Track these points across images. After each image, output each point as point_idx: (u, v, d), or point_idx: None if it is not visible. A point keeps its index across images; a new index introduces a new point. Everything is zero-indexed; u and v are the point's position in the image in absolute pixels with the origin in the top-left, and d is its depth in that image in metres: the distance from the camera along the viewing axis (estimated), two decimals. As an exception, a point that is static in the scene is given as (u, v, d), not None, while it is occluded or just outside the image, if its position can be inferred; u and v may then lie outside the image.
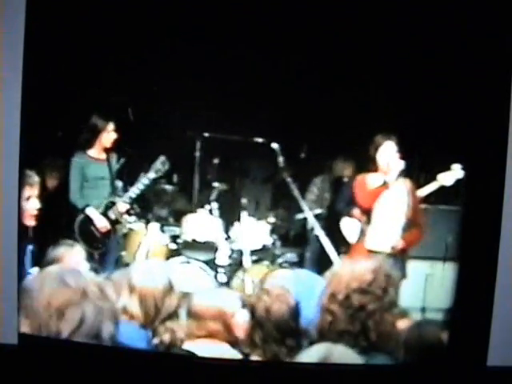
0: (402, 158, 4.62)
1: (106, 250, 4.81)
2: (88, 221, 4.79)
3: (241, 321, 2.98)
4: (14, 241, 3.31)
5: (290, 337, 2.97)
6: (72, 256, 3.57)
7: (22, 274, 3.29)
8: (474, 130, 3.43)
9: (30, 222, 3.83)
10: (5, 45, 3.21)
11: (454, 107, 3.90)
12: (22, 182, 3.36)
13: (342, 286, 2.76)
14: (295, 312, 3.03)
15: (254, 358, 2.96)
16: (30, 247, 3.83)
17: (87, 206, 4.79)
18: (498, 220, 3.20)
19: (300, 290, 3.30)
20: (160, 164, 4.84)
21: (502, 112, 3.24)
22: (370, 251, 4.67)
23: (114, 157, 4.88)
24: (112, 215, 4.85)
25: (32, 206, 3.79)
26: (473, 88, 3.50)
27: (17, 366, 3.15)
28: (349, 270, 2.82)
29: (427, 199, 4.75)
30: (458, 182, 4.56)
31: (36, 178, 3.75)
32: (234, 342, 2.98)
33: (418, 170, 4.80)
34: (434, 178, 4.66)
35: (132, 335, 2.89)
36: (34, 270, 3.64)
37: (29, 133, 3.24)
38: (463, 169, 4.47)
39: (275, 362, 2.95)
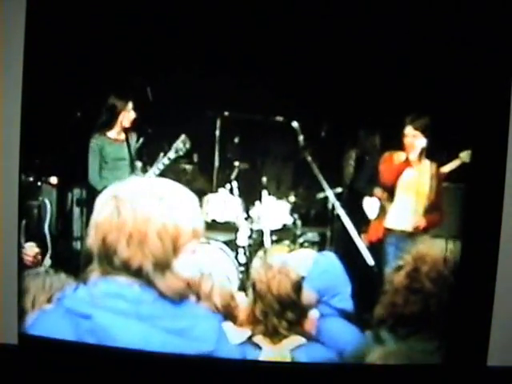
0: (426, 136, 4.57)
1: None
2: None
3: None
4: (14, 240, 3.30)
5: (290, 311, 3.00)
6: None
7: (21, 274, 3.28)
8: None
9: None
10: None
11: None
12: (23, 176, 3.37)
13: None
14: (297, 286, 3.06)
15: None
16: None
17: (106, 187, 4.74)
18: (497, 218, 3.20)
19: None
20: (181, 143, 4.80)
21: None
22: (389, 230, 4.65)
23: (133, 137, 4.85)
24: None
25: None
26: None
27: (17, 366, 3.16)
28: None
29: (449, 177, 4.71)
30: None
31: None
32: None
33: (440, 149, 4.74)
34: (456, 156, 4.61)
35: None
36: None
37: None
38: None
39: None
